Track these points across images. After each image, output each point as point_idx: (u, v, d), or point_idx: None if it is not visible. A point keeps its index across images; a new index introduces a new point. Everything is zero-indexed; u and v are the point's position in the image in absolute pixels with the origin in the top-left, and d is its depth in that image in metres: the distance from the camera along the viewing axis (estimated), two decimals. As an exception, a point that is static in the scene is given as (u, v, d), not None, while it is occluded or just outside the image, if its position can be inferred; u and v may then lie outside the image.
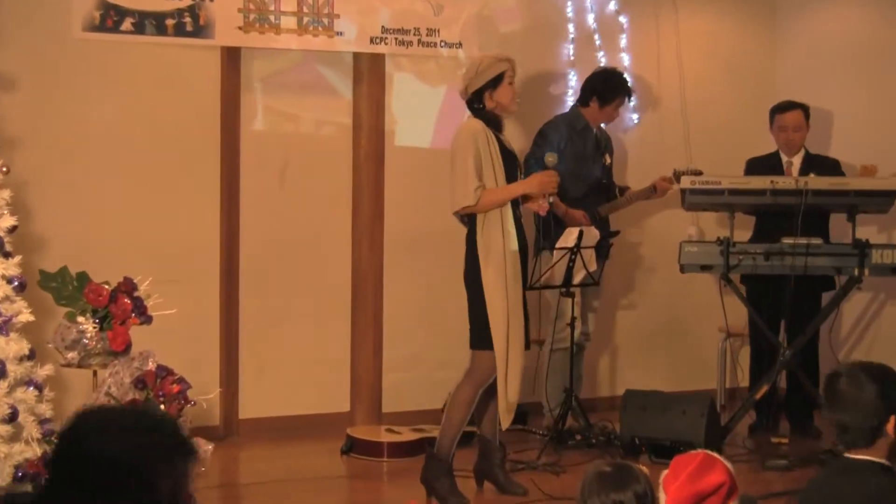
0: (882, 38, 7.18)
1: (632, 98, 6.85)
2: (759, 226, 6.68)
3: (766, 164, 6.60)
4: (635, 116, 7.38)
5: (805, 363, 6.42)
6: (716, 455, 2.83)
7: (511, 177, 5.32)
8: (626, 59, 7.28)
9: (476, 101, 5.36)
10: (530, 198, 5.38)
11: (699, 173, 6.45)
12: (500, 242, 5.21)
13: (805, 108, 6.64)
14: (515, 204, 5.33)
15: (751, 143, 7.31)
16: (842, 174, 6.51)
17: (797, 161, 6.65)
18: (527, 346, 5.35)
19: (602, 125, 6.73)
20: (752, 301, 6.36)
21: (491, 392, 5.32)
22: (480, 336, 5.22)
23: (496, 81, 5.32)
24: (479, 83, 5.32)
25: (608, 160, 6.71)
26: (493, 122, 5.35)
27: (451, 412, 5.30)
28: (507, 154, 5.35)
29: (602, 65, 7.01)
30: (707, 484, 2.75)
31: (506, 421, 5.30)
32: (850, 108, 7.24)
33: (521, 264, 5.30)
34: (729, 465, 2.81)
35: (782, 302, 6.20)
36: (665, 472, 2.82)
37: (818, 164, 6.60)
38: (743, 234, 6.60)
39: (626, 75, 6.72)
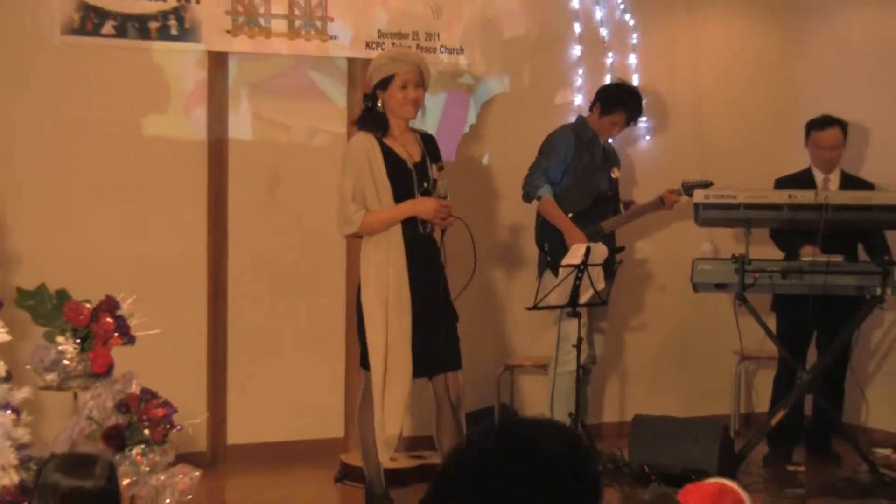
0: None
1: (637, 122, 6.82)
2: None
3: (796, 184, 6.48)
4: (647, 138, 7.42)
5: (830, 386, 6.45)
6: (731, 483, 2.85)
7: (404, 187, 5.31)
8: (633, 62, 7.30)
9: (369, 99, 5.42)
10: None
11: (709, 184, 6.45)
12: (382, 265, 5.26)
13: (844, 125, 6.62)
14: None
15: (771, 156, 7.30)
16: None
17: (834, 179, 6.63)
18: (428, 373, 5.36)
19: (610, 140, 6.76)
20: (792, 320, 6.39)
21: (448, 426, 5.38)
22: (366, 357, 5.32)
23: (385, 83, 5.35)
24: (372, 81, 5.39)
25: (616, 173, 6.73)
26: (380, 126, 5.35)
27: (361, 436, 5.44)
28: (398, 165, 5.32)
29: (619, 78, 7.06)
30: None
31: (384, 456, 5.35)
32: (882, 121, 7.18)
33: (438, 284, 5.29)
34: (745, 494, 2.84)
35: (821, 322, 6.24)
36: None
37: (853, 186, 6.56)
38: (761, 250, 6.59)
39: (643, 100, 6.73)
